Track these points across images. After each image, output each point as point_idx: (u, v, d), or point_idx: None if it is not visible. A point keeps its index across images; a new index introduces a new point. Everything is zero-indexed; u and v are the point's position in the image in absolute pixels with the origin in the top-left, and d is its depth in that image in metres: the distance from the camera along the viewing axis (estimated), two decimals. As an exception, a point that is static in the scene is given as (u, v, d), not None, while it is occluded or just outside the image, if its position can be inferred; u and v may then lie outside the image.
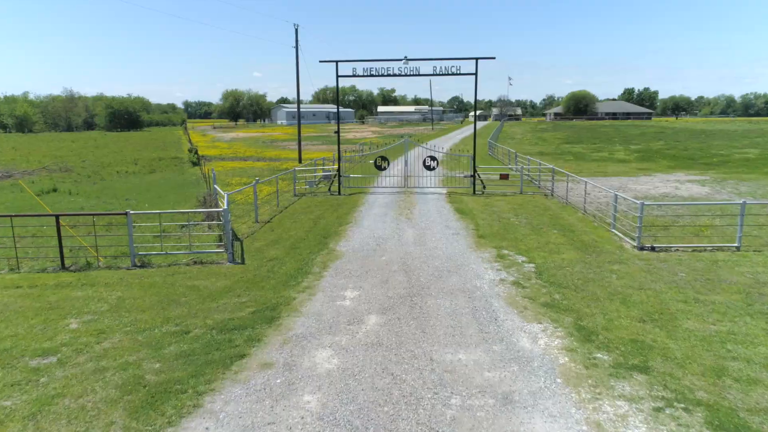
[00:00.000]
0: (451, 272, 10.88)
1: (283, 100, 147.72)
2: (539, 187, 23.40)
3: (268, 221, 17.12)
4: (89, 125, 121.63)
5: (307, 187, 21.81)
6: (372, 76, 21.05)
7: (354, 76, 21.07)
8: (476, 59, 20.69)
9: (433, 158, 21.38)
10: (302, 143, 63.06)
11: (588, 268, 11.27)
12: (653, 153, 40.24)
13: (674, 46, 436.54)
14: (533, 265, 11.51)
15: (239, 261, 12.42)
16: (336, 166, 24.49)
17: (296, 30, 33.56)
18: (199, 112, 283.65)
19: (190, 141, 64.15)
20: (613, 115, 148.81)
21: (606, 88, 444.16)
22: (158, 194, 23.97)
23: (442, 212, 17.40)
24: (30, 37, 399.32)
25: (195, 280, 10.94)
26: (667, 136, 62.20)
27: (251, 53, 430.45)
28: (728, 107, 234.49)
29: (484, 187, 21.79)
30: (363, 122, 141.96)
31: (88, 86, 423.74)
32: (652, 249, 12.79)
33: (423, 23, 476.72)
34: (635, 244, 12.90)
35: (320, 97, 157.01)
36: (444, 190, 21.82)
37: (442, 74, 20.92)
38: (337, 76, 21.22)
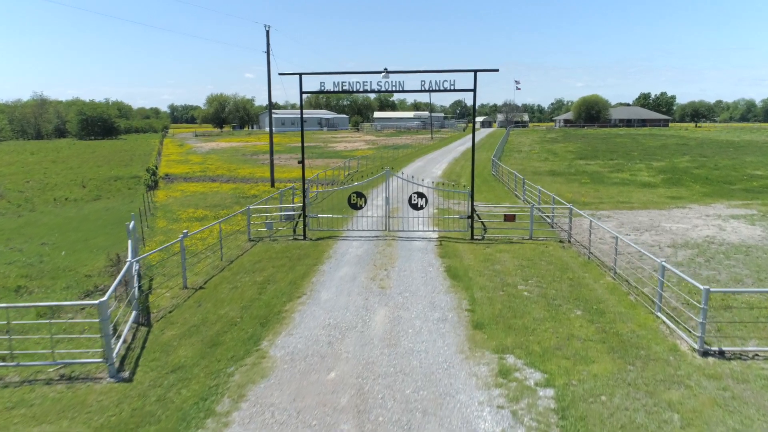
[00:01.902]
0: (428, 414, 7.52)
1: (272, 105, 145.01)
2: (552, 226, 20.09)
3: (202, 286, 13.80)
4: (61, 132, 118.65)
5: (266, 229, 18.49)
6: (344, 92, 17.84)
7: (321, 92, 17.85)
8: (475, 72, 17.48)
9: (420, 195, 18.08)
10: (285, 156, 59.72)
11: (634, 400, 7.93)
12: (681, 173, 36.99)
13: (690, 47, 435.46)
14: (552, 390, 8.17)
15: (127, 374, 9.06)
16: (309, 196, 21.24)
17: (267, 32, 30.41)
18: (185, 116, 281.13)
19: (159, 154, 60.95)
20: (628, 122, 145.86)
21: (619, 91, 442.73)
22: (86, 235, 20.64)
23: (429, 275, 14.05)
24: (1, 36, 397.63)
25: (34, 424, 7.58)
26: (691, 149, 59.04)
27: (243, 53, 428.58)
28: (748, 112, 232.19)
29: (485, 230, 18.47)
30: (357, 129, 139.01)
31: (71, 89, 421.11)
32: (721, 354, 9.45)
33: (422, 21, 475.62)
34: (696, 347, 9.54)
35: (312, 101, 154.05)
36: (435, 234, 18.49)
37: (432, 90, 17.70)
38: (301, 93, 17.98)
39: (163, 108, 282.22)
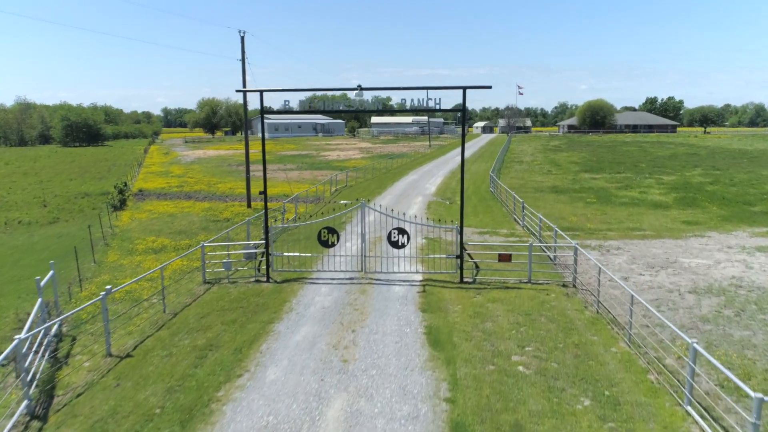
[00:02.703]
0: None
1: (265, 110, 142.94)
2: (554, 264, 17.93)
3: (129, 354, 11.63)
4: (46, 139, 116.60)
5: (224, 269, 16.32)
6: (311, 112, 15.79)
7: (286, 112, 15.80)
8: (464, 89, 15.40)
9: (401, 231, 15.88)
10: (274, 166, 57.21)
11: None
12: (694, 191, 34.83)
13: (697, 49, 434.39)
14: None
15: None
16: (276, 227, 19.05)
17: (242, 38, 28.31)
18: (179, 120, 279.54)
19: (140, 165, 58.87)
20: (634, 128, 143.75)
21: (624, 94, 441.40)
22: (23, 272, 18.50)
23: (404, 339, 11.86)
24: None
25: None
26: (702, 160, 56.90)
27: (238, 55, 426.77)
28: (757, 116, 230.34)
29: (477, 270, 16.31)
30: (354, 135, 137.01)
31: (64, 91, 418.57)
32: (778, 481, 7.25)
33: (420, 24, 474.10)
34: (744, 470, 7.35)
35: (307, 106, 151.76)
36: (419, 276, 16.28)
37: (415, 110, 15.64)
38: (262, 112, 15.87)
39: (157, 111, 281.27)
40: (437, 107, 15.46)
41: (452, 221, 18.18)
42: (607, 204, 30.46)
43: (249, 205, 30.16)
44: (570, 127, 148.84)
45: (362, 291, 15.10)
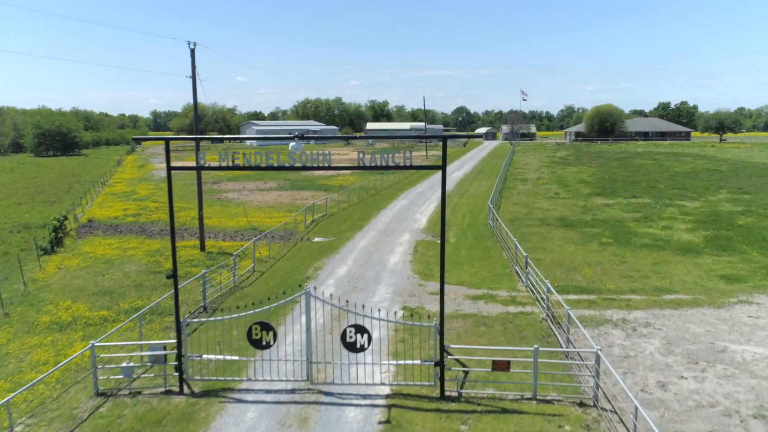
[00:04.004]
0: None
1: (255, 115, 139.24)
2: (566, 356, 14.10)
3: None
4: (20, 147, 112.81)
5: (123, 376, 12.47)
6: (235, 168, 11.91)
7: (203, 168, 11.91)
8: (444, 138, 11.60)
9: (360, 329, 11.99)
10: (253, 184, 53.22)
11: None
12: (725, 224, 30.99)
13: (707, 50, 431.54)
14: None
15: None
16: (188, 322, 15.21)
17: (192, 51, 24.61)
18: (168, 124, 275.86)
19: (104, 183, 55.03)
20: (645, 135, 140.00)
21: (632, 95, 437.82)
22: None
23: None
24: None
25: None
26: (725, 178, 53.08)
27: (235, 55, 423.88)
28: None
29: (465, 377, 12.47)
30: (348, 143, 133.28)
31: (53, 93, 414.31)
32: None
33: (421, 23, 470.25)
34: None
35: (299, 111, 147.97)
36: (385, 390, 12.36)
37: (377, 168, 11.88)
38: (169, 168, 11.96)
39: (147, 114, 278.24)
40: (408, 162, 11.70)
41: (430, 316, 14.26)
42: (626, 246, 26.57)
43: (203, 248, 26.31)
44: (577, 134, 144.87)
45: (303, 419, 11.20)
